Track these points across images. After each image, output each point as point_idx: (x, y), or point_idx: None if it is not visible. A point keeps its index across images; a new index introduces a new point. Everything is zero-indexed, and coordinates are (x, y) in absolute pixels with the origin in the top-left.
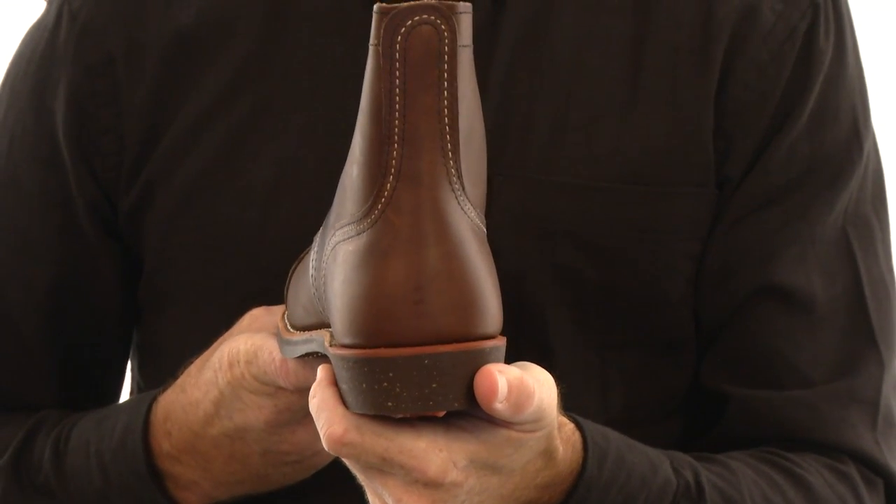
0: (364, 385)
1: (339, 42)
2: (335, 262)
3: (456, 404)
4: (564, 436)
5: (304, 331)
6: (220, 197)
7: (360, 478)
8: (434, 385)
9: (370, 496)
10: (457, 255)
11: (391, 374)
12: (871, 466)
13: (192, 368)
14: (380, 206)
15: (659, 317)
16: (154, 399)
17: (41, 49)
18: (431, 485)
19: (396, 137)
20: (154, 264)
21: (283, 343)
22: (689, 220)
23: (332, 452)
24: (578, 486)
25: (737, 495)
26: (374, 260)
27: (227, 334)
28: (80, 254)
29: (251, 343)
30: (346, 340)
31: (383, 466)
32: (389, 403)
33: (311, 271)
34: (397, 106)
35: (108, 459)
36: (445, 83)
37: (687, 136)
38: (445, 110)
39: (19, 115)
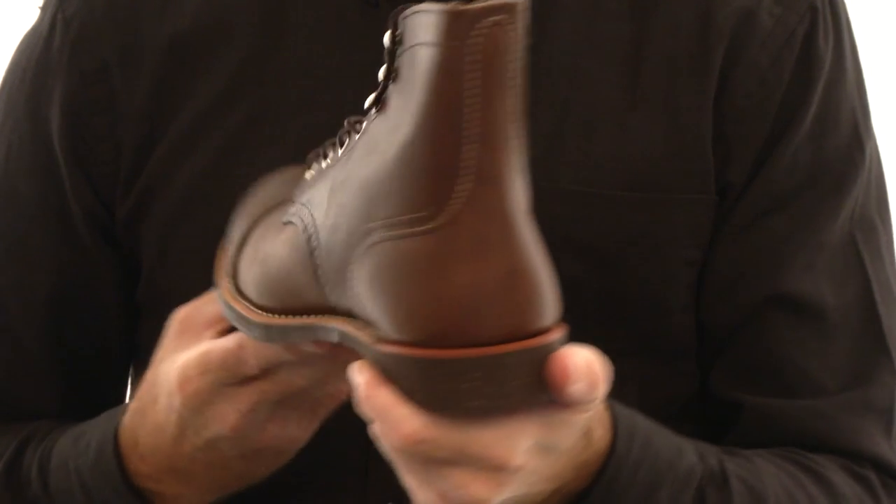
0: (442, 385)
1: (336, 48)
2: (382, 260)
3: (532, 398)
4: (597, 415)
5: (289, 315)
6: (217, 203)
7: (413, 472)
8: (514, 381)
9: (420, 491)
10: (529, 253)
11: (476, 374)
12: (888, 471)
13: (144, 393)
14: (455, 207)
15: (659, 324)
16: (118, 424)
17: (36, 57)
18: (497, 470)
19: (475, 137)
20: (152, 270)
21: (249, 325)
22: (689, 227)
23: (398, 452)
24: (609, 464)
25: (759, 485)
26: (451, 260)
27: (160, 349)
28: (79, 261)
29: (195, 355)
30: (418, 341)
31: (454, 459)
32: (474, 402)
33: (307, 255)
34: (476, 106)
35: (87, 478)
36: (518, 81)
37: (686, 143)
38: (519, 109)
39: (15, 125)
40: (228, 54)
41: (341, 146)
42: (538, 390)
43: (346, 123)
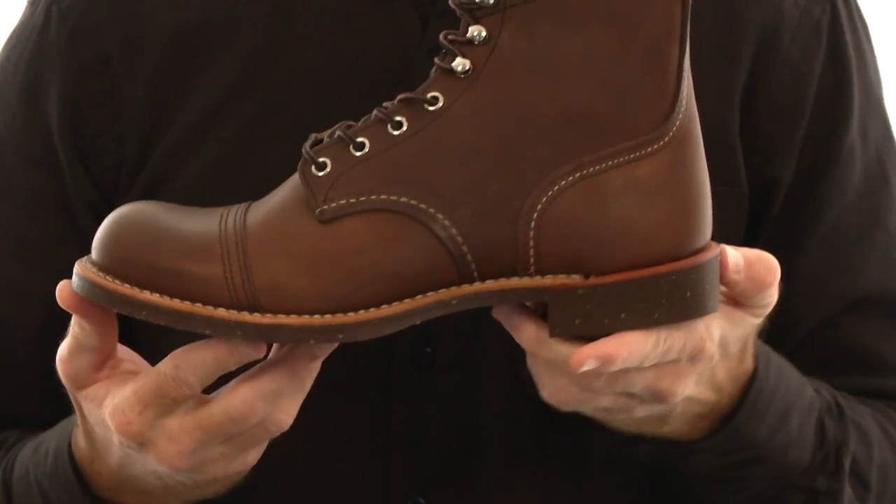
0: (688, 291)
1: (349, 39)
2: (605, 192)
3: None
4: (752, 335)
5: (384, 304)
6: (226, 196)
7: (607, 393)
8: (716, 280)
9: (609, 404)
10: None
11: (712, 274)
12: None
13: (82, 422)
14: (679, 121)
15: None
16: (71, 435)
17: (29, 50)
18: (694, 360)
19: (685, 53)
20: None
21: (328, 332)
22: (717, 219)
23: (636, 364)
24: (752, 386)
25: (863, 422)
26: (686, 169)
27: (77, 407)
28: (80, 257)
29: (129, 395)
30: (662, 256)
31: (676, 357)
32: (712, 301)
33: (429, 233)
34: (687, 25)
35: (47, 487)
36: None
37: (708, 134)
38: None
39: (9, 120)
40: (238, 46)
41: (394, 127)
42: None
43: (387, 106)
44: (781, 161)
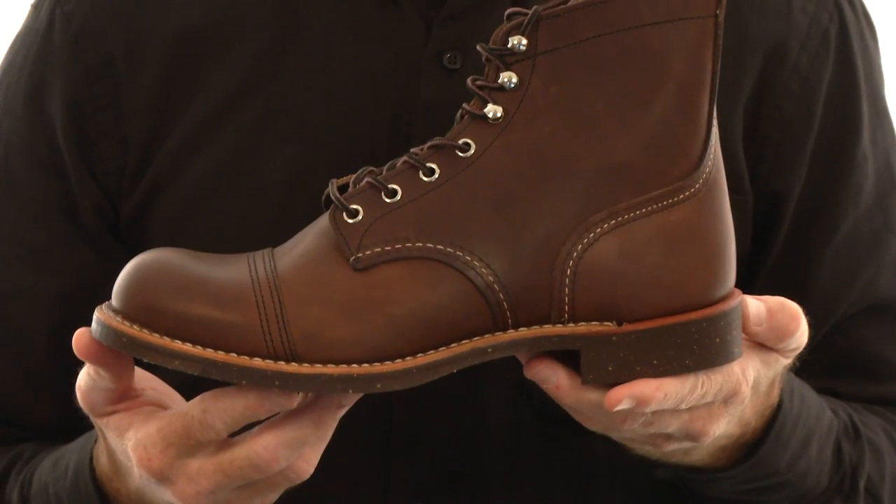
0: (717, 338)
1: (354, 41)
2: (636, 241)
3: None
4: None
5: (421, 352)
6: (231, 198)
7: (643, 431)
8: (740, 326)
9: (649, 442)
10: None
11: (737, 321)
12: None
13: (100, 441)
14: (707, 168)
15: None
16: (93, 449)
17: (34, 54)
18: (728, 403)
19: (714, 98)
20: None
21: (371, 381)
22: None
23: (673, 406)
24: (777, 418)
25: (875, 437)
26: (714, 217)
27: (99, 429)
28: (88, 260)
29: (153, 431)
30: (693, 302)
31: (712, 399)
32: (736, 349)
33: (466, 280)
34: (717, 69)
35: (66, 502)
36: None
37: None
38: None
39: (14, 124)
40: (242, 48)
41: (426, 174)
42: None
43: (417, 152)
44: (790, 170)
